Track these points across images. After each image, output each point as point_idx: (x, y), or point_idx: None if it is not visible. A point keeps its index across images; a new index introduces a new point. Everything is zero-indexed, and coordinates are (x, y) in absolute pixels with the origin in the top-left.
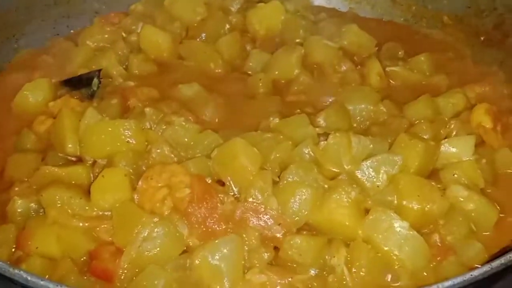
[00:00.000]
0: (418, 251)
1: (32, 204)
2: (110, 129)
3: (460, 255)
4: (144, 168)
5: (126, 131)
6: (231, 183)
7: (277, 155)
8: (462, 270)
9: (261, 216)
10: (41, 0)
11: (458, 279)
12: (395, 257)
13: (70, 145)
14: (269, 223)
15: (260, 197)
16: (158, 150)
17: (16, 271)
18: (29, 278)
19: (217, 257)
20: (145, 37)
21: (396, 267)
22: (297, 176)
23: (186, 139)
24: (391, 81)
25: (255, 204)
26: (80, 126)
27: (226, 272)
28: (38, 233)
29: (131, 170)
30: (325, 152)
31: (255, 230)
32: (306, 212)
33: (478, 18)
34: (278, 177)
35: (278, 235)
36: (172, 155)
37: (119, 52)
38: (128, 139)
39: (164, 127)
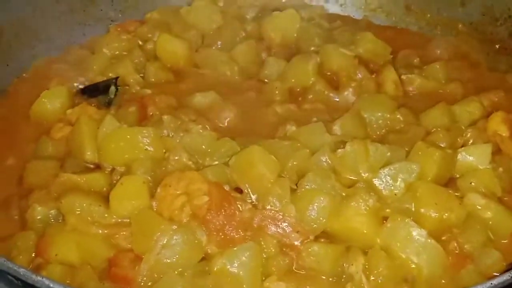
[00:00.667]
0: (436, 259)
1: (52, 211)
2: (128, 136)
3: (478, 264)
4: (162, 175)
5: (145, 139)
6: (249, 190)
7: (295, 162)
8: (480, 278)
9: (279, 223)
10: (57, 8)
11: None
12: (413, 265)
13: (89, 153)
14: (287, 231)
15: (278, 205)
16: (176, 158)
17: (39, 277)
18: (51, 285)
19: (236, 264)
20: (161, 45)
21: (413, 275)
22: (314, 183)
23: (203, 147)
24: (406, 89)
25: (273, 211)
26: (99, 133)
27: (244, 279)
28: (58, 240)
29: (149, 178)
30: (342, 160)
31: (273, 238)
32: (324, 220)
33: (493, 26)
34: (296, 184)
35: (296, 242)
36: (190, 163)
37: (136, 60)
38: (146, 146)
39: (182, 134)
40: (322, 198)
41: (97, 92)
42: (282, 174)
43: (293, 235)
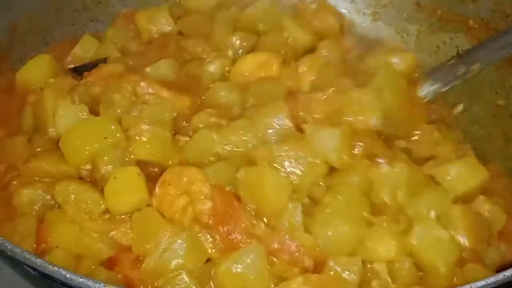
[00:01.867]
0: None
1: (39, 190)
2: (87, 130)
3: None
4: (132, 157)
5: (104, 131)
6: (260, 212)
7: (311, 180)
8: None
9: (290, 248)
10: (70, 4)
11: (491, 279)
12: (437, 264)
13: (51, 129)
14: (299, 254)
15: (289, 229)
16: (138, 132)
17: (56, 268)
18: (68, 276)
19: (241, 266)
20: (140, 18)
21: (434, 271)
22: (334, 206)
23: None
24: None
25: (285, 235)
26: (56, 120)
27: (252, 281)
28: (57, 232)
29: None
30: (380, 178)
31: (285, 259)
32: (343, 250)
33: (504, 22)
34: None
35: (308, 265)
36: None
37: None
38: (107, 137)
39: (140, 107)
40: (342, 224)
41: (86, 71)
42: (296, 192)
43: (305, 259)
